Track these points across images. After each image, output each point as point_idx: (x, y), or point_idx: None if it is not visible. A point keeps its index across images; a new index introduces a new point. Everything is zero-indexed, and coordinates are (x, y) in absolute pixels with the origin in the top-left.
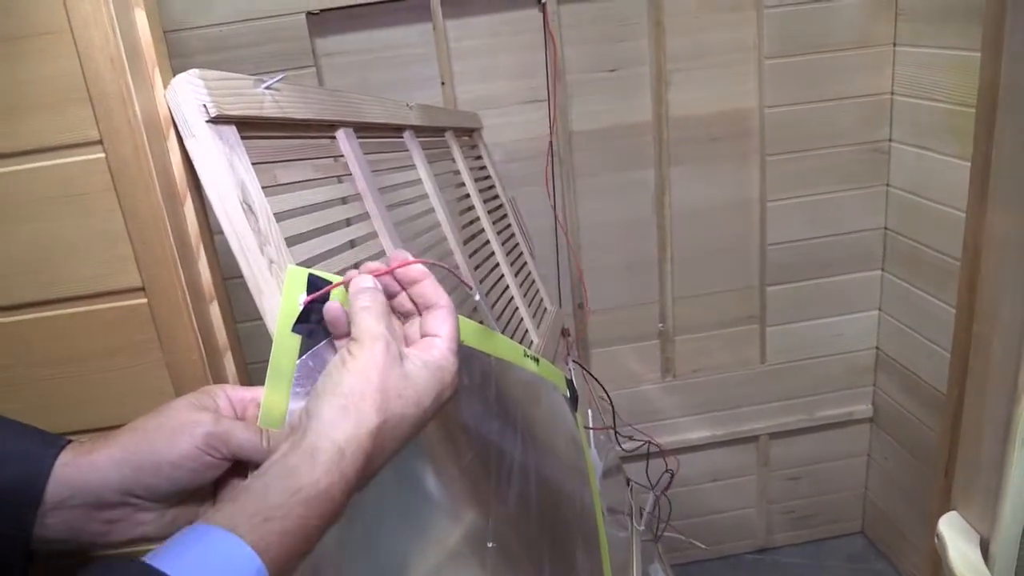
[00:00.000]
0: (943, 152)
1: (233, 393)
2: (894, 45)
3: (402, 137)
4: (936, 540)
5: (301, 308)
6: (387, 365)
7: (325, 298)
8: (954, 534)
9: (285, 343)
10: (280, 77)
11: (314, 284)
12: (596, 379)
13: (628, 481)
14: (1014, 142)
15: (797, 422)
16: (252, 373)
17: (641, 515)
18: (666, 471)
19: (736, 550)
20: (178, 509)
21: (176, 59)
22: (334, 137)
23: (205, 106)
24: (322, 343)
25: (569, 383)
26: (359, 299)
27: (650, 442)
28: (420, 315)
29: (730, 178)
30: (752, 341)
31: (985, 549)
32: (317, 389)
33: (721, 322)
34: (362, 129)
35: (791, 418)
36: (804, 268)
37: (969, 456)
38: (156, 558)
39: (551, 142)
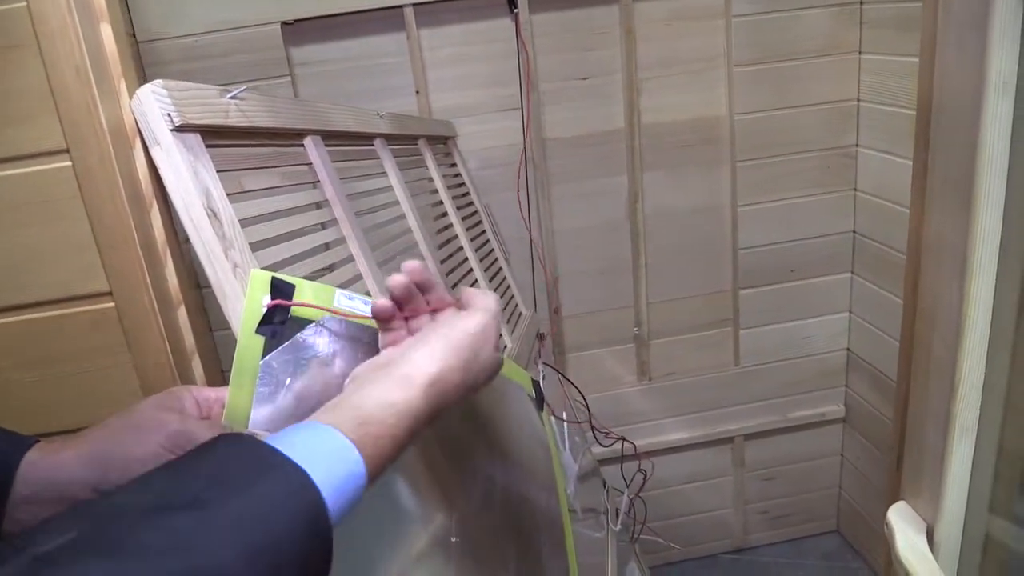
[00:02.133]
0: (907, 156)
1: (199, 394)
2: (859, 53)
3: (373, 145)
4: (886, 529)
5: (265, 310)
6: (480, 333)
7: (288, 300)
8: (902, 523)
9: (249, 343)
10: (245, 88)
11: (277, 287)
12: (569, 380)
13: (604, 483)
14: (946, 149)
15: (771, 423)
16: (228, 379)
17: (617, 516)
18: (639, 471)
19: (713, 550)
20: None
21: (151, 68)
22: (302, 145)
23: (169, 115)
24: (285, 344)
25: (536, 385)
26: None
27: (623, 439)
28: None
29: (701, 183)
30: (726, 344)
31: (931, 536)
32: (420, 335)
33: (695, 325)
34: (331, 137)
35: (765, 419)
36: (775, 272)
37: (915, 448)
38: (273, 440)
39: (525, 149)
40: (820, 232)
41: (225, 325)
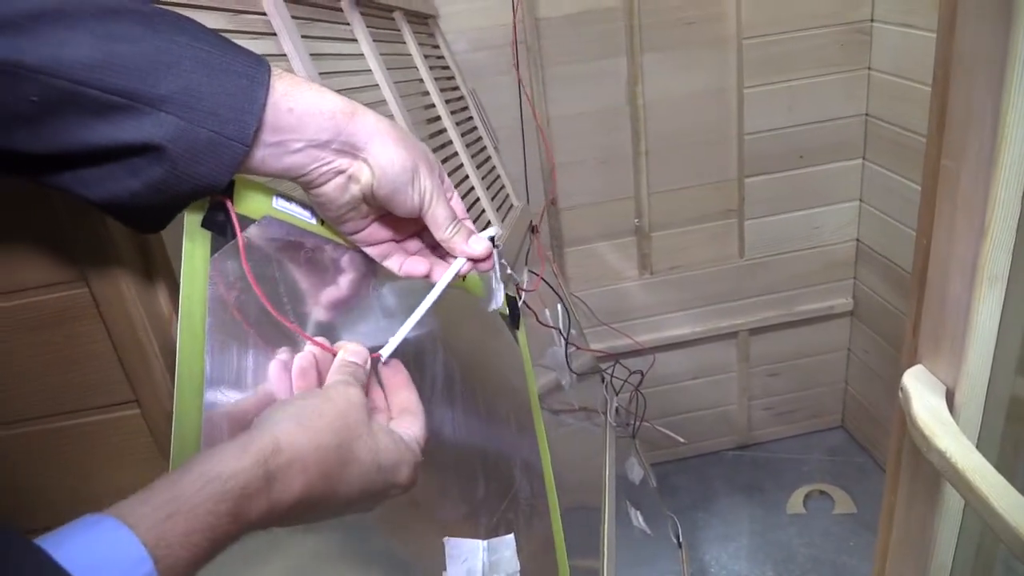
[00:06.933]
0: (927, 28)
1: None
2: None
3: (340, 8)
4: (900, 395)
5: (208, 204)
6: (359, 409)
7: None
8: (919, 386)
9: (195, 239)
10: None
11: None
12: (553, 288)
13: (603, 379)
14: None
15: (777, 317)
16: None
17: (617, 412)
18: (634, 372)
19: (717, 447)
20: None
21: None
22: None
23: None
24: (230, 244)
25: (512, 302)
26: (343, 368)
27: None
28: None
29: (705, 64)
30: (730, 235)
31: (951, 400)
32: (278, 404)
33: (698, 216)
34: None
35: (771, 313)
36: (783, 158)
37: (935, 304)
38: (45, 539)
39: (515, 30)
40: (831, 115)
41: None
